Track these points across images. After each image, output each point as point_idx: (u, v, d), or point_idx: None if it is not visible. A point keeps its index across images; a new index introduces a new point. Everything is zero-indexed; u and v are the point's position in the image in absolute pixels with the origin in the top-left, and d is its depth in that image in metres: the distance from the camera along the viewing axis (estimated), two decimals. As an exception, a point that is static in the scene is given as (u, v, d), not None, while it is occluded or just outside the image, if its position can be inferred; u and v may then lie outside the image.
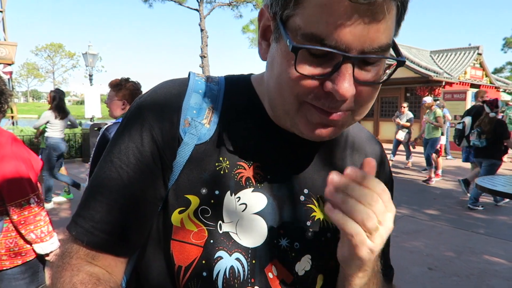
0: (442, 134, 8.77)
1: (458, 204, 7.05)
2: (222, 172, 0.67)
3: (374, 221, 0.55)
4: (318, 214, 0.72)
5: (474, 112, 7.00)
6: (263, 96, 0.72)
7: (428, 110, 8.82)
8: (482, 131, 6.29)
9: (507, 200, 6.69)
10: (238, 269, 0.65)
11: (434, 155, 8.85)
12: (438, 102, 9.39)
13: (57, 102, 6.30)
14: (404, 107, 10.18)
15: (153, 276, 0.69)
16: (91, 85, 14.30)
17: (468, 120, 6.99)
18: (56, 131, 6.39)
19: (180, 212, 0.66)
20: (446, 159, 12.81)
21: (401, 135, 10.05)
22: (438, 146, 8.85)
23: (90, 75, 15.53)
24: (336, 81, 0.54)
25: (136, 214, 0.66)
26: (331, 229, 0.72)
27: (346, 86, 0.54)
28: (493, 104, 6.39)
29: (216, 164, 0.67)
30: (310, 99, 0.58)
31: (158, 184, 0.67)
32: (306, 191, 0.71)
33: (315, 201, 0.72)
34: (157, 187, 0.67)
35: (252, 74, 0.79)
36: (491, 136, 6.22)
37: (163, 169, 0.67)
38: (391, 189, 0.85)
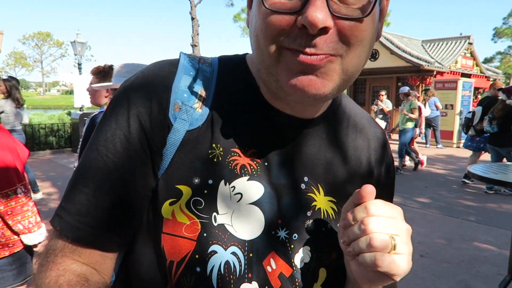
0: (416, 126, 8.73)
1: (449, 192, 7.13)
2: (215, 160, 0.63)
3: (383, 238, 0.53)
4: (319, 203, 0.68)
5: (487, 103, 6.99)
6: (258, 75, 0.67)
7: (404, 101, 8.78)
8: (493, 117, 6.31)
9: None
10: (234, 264, 0.61)
11: (413, 146, 8.88)
12: (413, 92, 9.27)
13: (14, 90, 6.04)
14: (382, 95, 10.13)
15: (143, 271, 0.64)
16: (80, 74, 14.10)
17: (478, 109, 7.01)
18: (15, 121, 6.14)
19: (171, 204, 0.61)
20: (437, 147, 12.94)
21: (380, 124, 10.06)
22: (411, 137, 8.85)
23: (79, 64, 15.30)
24: (306, 10, 0.49)
25: (125, 207, 0.62)
26: (332, 220, 0.69)
27: (316, 13, 0.49)
28: (510, 91, 6.38)
29: (209, 151, 0.63)
30: (285, 42, 0.53)
31: (147, 173, 0.62)
32: (306, 178, 0.67)
33: (315, 190, 0.68)
34: (146, 176, 0.62)
35: (247, 53, 0.74)
36: (501, 121, 6.22)
37: (152, 158, 0.62)
38: (393, 170, 0.82)
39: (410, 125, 8.52)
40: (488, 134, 6.65)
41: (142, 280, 0.64)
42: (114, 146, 0.61)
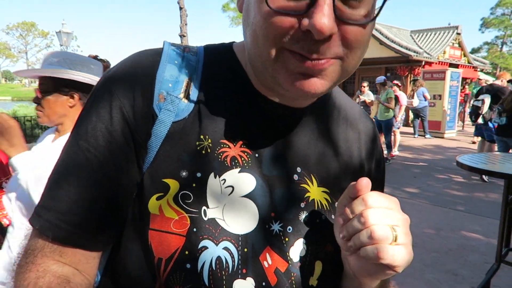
0: (394, 116, 8.78)
1: (437, 182, 7.21)
2: (204, 152, 0.60)
3: (384, 230, 0.53)
4: (312, 195, 0.66)
5: (495, 92, 7.05)
6: (246, 63, 0.65)
7: (381, 90, 8.78)
8: (503, 109, 6.35)
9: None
10: (226, 259, 0.58)
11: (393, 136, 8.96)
12: (389, 82, 9.27)
13: None
14: (364, 87, 10.11)
15: (131, 270, 0.61)
16: (66, 65, 13.83)
17: (487, 97, 7.08)
18: None
19: (158, 199, 0.59)
20: (425, 138, 13.06)
21: None
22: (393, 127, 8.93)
23: (65, 55, 15.02)
24: (312, 15, 0.47)
25: (108, 203, 0.59)
26: (326, 211, 0.67)
27: (323, 20, 0.46)
28: None
29: (197, 143, 0.60)
30: (287, 44, 0.51)
31: (131, 167, 0.60)
32: (299, 169, 0.65)
33: (308, 181, 0.66)
34: (130, 171, 0.60)
35: (234, 42, 0.71)
36: (510, 114, 6.26)
37: (137, 151, 0.60)
38: (383, 164, 0.82)
39: (389, 115, 8.51)
40: (495, 124, 6.73)
41: (130, 279, 0.62)
42: (95, 140, 0.58)
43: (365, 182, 0.56)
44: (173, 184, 0.59)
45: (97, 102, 0.60)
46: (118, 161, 0.59)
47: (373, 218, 0.53)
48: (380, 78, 8.98)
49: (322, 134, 0.70)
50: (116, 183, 0.59)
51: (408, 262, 0.55)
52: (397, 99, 9.04)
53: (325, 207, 0.67)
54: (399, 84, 9.99)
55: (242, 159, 0.62)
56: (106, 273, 0.66)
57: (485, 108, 7.06)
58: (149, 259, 0.59)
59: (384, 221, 0.53)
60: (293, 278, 0.62)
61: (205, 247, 0.58)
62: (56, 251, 0.58)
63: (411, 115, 14.50)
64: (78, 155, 0.58)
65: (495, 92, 7.09)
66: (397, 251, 0.53)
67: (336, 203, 0.68)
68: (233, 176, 0.61)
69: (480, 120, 7.25)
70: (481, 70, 21.20)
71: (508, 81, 6.78)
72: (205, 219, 0.58)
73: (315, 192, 0.66)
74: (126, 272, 0.62)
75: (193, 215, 0.58)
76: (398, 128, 9.51)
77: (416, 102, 11.98)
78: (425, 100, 12.24)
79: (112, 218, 0.60)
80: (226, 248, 0.59)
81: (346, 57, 0.53)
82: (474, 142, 11.57)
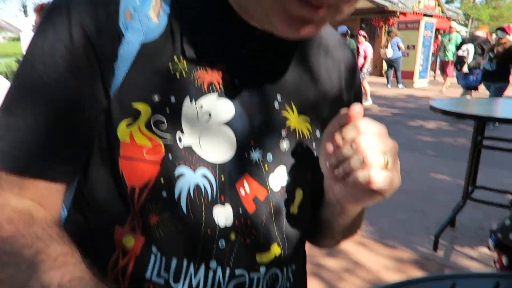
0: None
1: (409, 129, 7.42)
2: (178, 76, 0.55)
3: (376, 155, 0.52)
4: (293, 123, 0.64)
5: (478, 42, 7.32)
6: None
7: None
8: (494, 55, 6.51)
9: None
10: (204, 187, 0.56)
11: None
12: (349, 31, 9.19)
13: None
14: None
15: (101, 201, 0.57)
16: (26, 16, 12.97)
17: (471, 47, 7.31)
18: None
19: (128, 125, 0.54)
20: (398, 87, 13.26)
21: None
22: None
23: (24, 7, 14.09)
24: None
25: (70, 130, 0.54)
26: (308, 140, 0.66)
27: None
28: (510, 29, 6.67)
29: (170, 65, 0.55)
30: None
31: (96, 90, 0.54)
32: (279, 97, 0.62)
33: (288, 108, 0.63)
34: (95, 94, 0.54)
35: None
36: (500, 59, 6.45)
37: (102, 73, 0.54)
38: (361, 95, 0.81)
39: None
40: (474, 72, 7.02)
41: (101, 210, 0.58)
42: (53, 61, 0.52)
43: (358, 108, 0.54)
44: (144, 108, 0.54)
45: (53, 19, 0.53)
46: (80, 84, 0.53)
47: (365, 144, 0.52)
48: (342, 28, 8.83)
49: (302, 63, 0.66)
50: (78, 108, 0.54)
51: (396, 188, 0.55)
52: (358, 50, 9.00)
53: (306, 136, 0.65)
54: (365, 36, 9.92)
55: (220, 84, 0.57)
56: (74, 207, 0.62)
57: (470, 58, 7.27)
58: (121, 189, 0.55)
59: (376, 147, 0.53)
60: (272, 205, 0.62)
61: (182, 175, 0.55)
62: (14, 184, 0.53)
63: (384, 66, 14.60)
64: (34, 80, 0.52)
65: (477, 42, 7.30)
66: (388, 176, 0.53)
67: (317, 131, 0.67)
68: (210, 102, 0.57)
69: (465, 69, 7.42)
70: (454, 20, 21.30)
71: (498, 29, 6.93)
72: (181, 146, 0.55)
73: (295, 120, 0.64)
74: (95, 204, 0.58)
75: (168, 142, 0.55)
76: (363, 79, 9.54)
77: (390, 53, 12.02)
78: (399, 50, 12.29)
79: (75, 146, 0.56)
80: (204, 176, 0.56)
81: (341, 6, 0.50)
82: (441, 92, 11.86)
